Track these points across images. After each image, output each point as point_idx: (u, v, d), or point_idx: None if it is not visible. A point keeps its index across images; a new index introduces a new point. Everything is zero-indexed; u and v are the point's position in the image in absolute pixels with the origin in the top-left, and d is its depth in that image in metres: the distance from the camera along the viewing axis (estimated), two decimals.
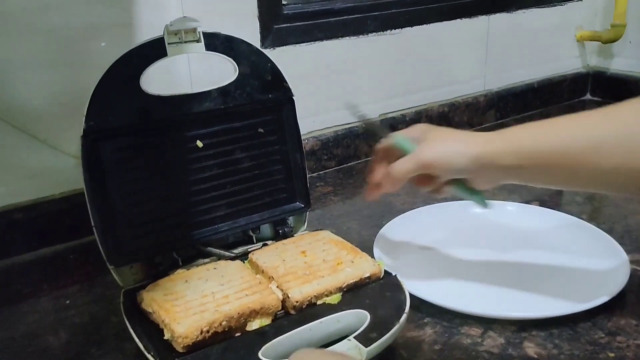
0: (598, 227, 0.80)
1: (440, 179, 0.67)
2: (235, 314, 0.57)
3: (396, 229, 0.82)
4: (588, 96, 1.46)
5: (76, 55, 0.80)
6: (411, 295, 0.61)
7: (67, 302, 0.72)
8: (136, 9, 0.82)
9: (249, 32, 0.93)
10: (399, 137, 0.68)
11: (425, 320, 0.64)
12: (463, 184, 0.67)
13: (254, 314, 0.58)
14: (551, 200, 0.91)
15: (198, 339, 0.54)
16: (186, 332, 0.54)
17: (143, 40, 0.66)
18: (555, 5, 1.34)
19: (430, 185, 0.68)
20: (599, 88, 1.44)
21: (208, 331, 0.55)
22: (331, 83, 1.04)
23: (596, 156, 0.57)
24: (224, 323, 0.56)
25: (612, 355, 0.57)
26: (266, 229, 0.77)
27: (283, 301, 0.60)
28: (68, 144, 0.82)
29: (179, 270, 0.67)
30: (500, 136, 0.63)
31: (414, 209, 0.88)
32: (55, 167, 0.82)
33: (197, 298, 0.60)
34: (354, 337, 0.54)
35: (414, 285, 0.66)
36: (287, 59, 0.98)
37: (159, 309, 0.58)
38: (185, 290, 0.61)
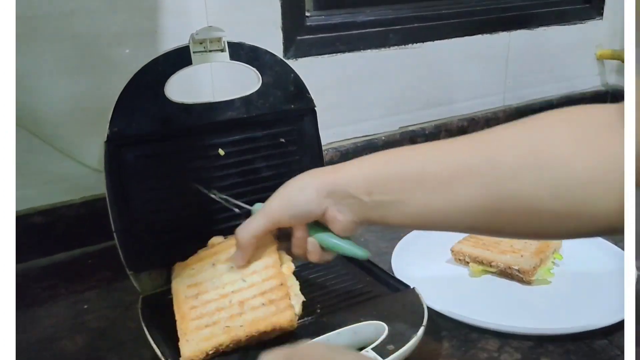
0: (616, 245, 0.79)
1: (298, 233, 0.59)
2: (243, 338, 0.55)
3: (414, 241, 0.82)
4: None
5: (100, 62, 0.81)
6: (428, 308, 0.61)
7: (85, 306, 0.72)
8: (161, 18, 0.83)
9: (272, 42, 0.93)
10: (257, 205, 0.63)
11: (442, 334, 0.64)
12: (322, 230, 0.59)
13: (265, 335, 0.56)
14: None
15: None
16: (191, 356, 0.54)
17: (169, 48, 0.67)
18: (575, 23, 1.34)
19: (294, 245, 0.60)
20: None
21: (215, 353, 0.55)
22: (352, 95, 1.05)
23: (452, 183, 0.50)
24: (231, 345, 0.55)
25: None
26: None
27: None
28: (88, 150, 0.83)
29: (214, 239, 0.67)
30: (355, 163, 0.58)
31: None
32: (75, 173, 0.83)
33: (215, 298, 0.59)
34: (372, 349, 0.54)
35: (431, 298, 0.66)
36: (309, 70, 0.98)
37: (178, 310, 0.59)
38: (208, 282, 0.61)
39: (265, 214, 0.58)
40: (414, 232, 0.83)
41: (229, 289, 0.60)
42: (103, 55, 0.81)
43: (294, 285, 0.61)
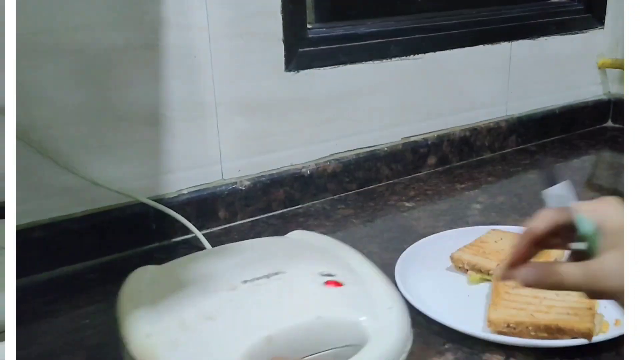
0: None
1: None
2: (542, 324, 0.62)
3: (418, 252, 0.81)
4: (609, 123, 1.45)
5: (102, 76, 0.81)
6: (432, 321, 0.60)
7: (86, 321, 0.72)
8: (163, 31, 0.83)
9: (274, 55, 0.94)
10: (582, 215, 0.49)
11: (446, 347, 0.63)
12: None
13: (560, 334, 0.62)
14: None
15: (502, 330, 0.63)
16: (495, 321, 0.64)
17: None
18: (577, 33, 1.34)
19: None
20: (620, 115, 1.43)
21: (512, 328, 0.63)
22: (354, 106, 1.05)
23: None
24: (529, 328, 0.63)
25: None
26: None
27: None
28: (89, 163, 0.82)
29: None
30: None
31: (436, 232, 0.88)
32: (75, 186, 0.82)
33: (528, 295, 0.67)
34: None
35: (434, 311, 0.66)
36: (311, 82, 0.98)
37: (495, 291, 0.70)
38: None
39: (596, 288, 0.47)
40: (418, 244, 0.83)
41: (542, 294, 0.67)
42: (105, 69, 0.81)
43: (597, 306, 0.66)
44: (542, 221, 0.50)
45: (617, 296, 0.45)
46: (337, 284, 0.58)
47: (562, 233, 0.50)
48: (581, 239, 0.48)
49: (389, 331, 0.54)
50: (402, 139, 1.13)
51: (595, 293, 0.47)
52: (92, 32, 0.79)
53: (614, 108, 1.45)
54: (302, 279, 0.60)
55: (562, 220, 0.50)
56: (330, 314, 0.55)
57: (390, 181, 1.11)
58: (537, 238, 0.51)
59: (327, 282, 0.58)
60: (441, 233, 0.87)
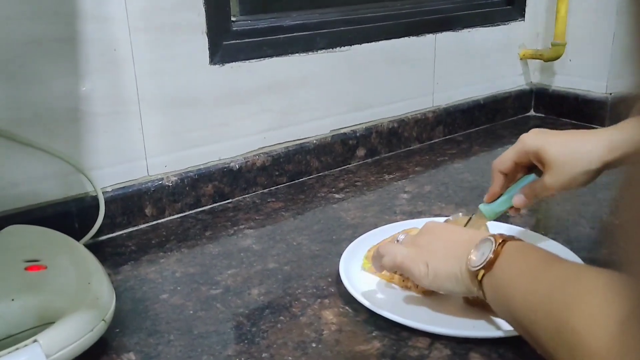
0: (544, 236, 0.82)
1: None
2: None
3: (359, 245, 0.81)
4: (532, 112, 1.50)
5: (17, 71, 0.78)
6: (363, 308, 0.61)
7: None
8: (81, 25, 0.81)
9: (198, 48, 0.92)
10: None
11: (373, 334, 0.64)
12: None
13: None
14: None
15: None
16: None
17: None
18: (498, 25, 1.38)
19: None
20: (542, 104, 1.49)
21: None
22: (282, 99, 1.04)
23: None
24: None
25: None
26: None
27: None
28: (5, 162, 0.79)
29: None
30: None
31: (364, 223, 0.89)
32: None
33: None
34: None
35: (365, 298, 0.67)
36: (237, 76, 0.98)
37: None
38: None
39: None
40: (361, 237, 0.83)
41: None
42: (20, 64, 0.77)
43: None
44: (504, 161, 0.71)
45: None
46: (40, 267, 0.65)
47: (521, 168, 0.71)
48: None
49: (81, 305, 0.59)
50: (331, 131, 1.13)
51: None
52: (5, 25, 0.75)
53: (535, 97, 1.50)
54: (2, 265, 0.66)
55: (518, 159, 0.69)
56: (26, 295, 0.61)
57: (320, 173, 1.12)
58: (503, 173, 0.71)
59: (29, 268, 0.64)
60: (396, 224, 0.87)
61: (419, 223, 0.84)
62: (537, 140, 0.68)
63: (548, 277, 0.52)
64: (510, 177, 0.73)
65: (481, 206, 0.75)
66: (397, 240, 0.72)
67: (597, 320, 0.44)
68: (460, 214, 0.78)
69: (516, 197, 0.72)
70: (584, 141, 0.66)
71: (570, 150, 0.66)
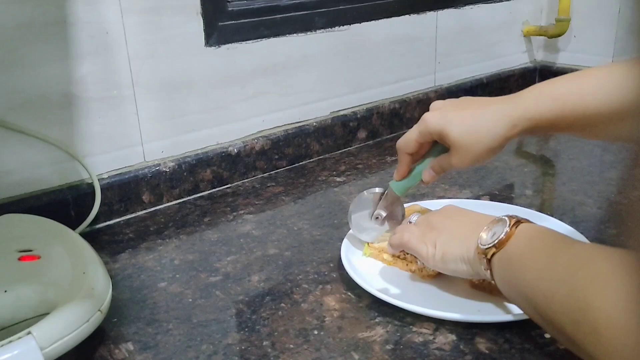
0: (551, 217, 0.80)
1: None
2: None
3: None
4: None
5: (7, 56, 0.76)
6: (366, 293, 0.60)
7: None
8: (71, 7, 0.79)
9: (193, 29, 0.90)
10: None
11: (377, 320, 0.63)
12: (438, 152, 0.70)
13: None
14: (501, 195, 0.91)
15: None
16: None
17: None
18: (501, 1, 1.35)
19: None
20: None
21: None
22: (280, 81, 1.02)
23: None
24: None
25: (563, 346, 0.57)
26: None
27: None
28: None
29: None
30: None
31: None
32: None
33: None
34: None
35: (368, 283, 0.66)
36: (234, 58, 0.95)
37: None
38: None
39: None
40: None
41: None
42: (10, 48, 0.75)
43: None
44: (408, 142, 0.71)
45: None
46: (34, 257, 0.63)
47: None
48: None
49: (76, 296, 0.57)
50: (331, 113, 1.11)
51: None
52: None
53: (540, 75, 1.47)
54: None
55: (422, 139, 0.69)
56: (20, 286, 0.59)
57: (321, 156, 1.10)
58: (408, 153, 0.71)
59: (22, 258, 0.63)
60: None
61: (423, 204, 0.83)
62: (439, 120, 0.67)
63: (565, 258, 0.51)
64: (417, 155, 0.73)
65: (391, 183, 0.74)
66: (410, 222, 0.71)
67: (620, 300, 0.43)
68: (377, 189, 0.76)
69: (425, 173, 0.71)
70: (485, 118, 0.65)
71: (472, 129, 0.65)
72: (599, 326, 0.44)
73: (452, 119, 0.66)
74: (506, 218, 0.58)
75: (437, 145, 0.70)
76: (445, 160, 0.69)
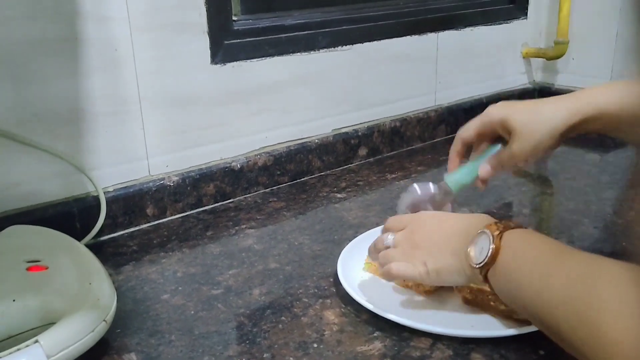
0: None
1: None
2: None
3: (359, 245, 0.80)
4: None
5: (18, 71, 0.77)
6: (362, 310, 0.61)
7: None
8: (81, 24, 0.81)
9: (199, 47, 0.92)
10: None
11: (375, 335, 0.64)
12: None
13: None
14: (498, 213, 0.93)
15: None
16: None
17: None
18: (501, 23, 1.37)
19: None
20: None
21: None
22: (284, 98, 1.04)
23: None
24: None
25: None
26: None
27: None
28: (5, 163, 0.79)
29: None
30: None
31: (366, 222, 0.89)
32: None
33: None
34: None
35: (366, 298, 0.67)
36: (239, 75, 0.97)
37: None
38: None
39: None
40: (359, 237, 0.82)
41: None
42: (21, 63, 0.77)
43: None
44: (468, 129, 0.72)
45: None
46: (42, 268, 0.64)
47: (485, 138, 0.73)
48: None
49: (82, 306, 0.59)
50: (332, 130, 1.13)
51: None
52: (6, 24, 0.75)
53: (538, 96, 1.49)
54: (4, 266, 0.65)
55: (482, 129, 0.71)
56: (28, 296, 0.61)
57: (322, 173, 1.12)
58: (465, 141, 0.73)
59: (31, 268, 0.64)
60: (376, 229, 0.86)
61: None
62: (502, 109, 0.70)
63: (563, 269, 0.51)
64: (474, 148, 0.74)
65: (446, 177, 0.74)
66: (388, 246, 0.67)
67: (620, 312, 0.44)
68: (431, 184, 0.75)
69: (482, 167, 0.72)
70: (547, 106, 0.69)
71: (534, 114, 0.68)
72: (598, 339, 0.44)
73: (514, 107, 0.70)
74: (487, 231, 0.58)
75: (496, 145, 0.72)
76: (505, 152, 0.71)
